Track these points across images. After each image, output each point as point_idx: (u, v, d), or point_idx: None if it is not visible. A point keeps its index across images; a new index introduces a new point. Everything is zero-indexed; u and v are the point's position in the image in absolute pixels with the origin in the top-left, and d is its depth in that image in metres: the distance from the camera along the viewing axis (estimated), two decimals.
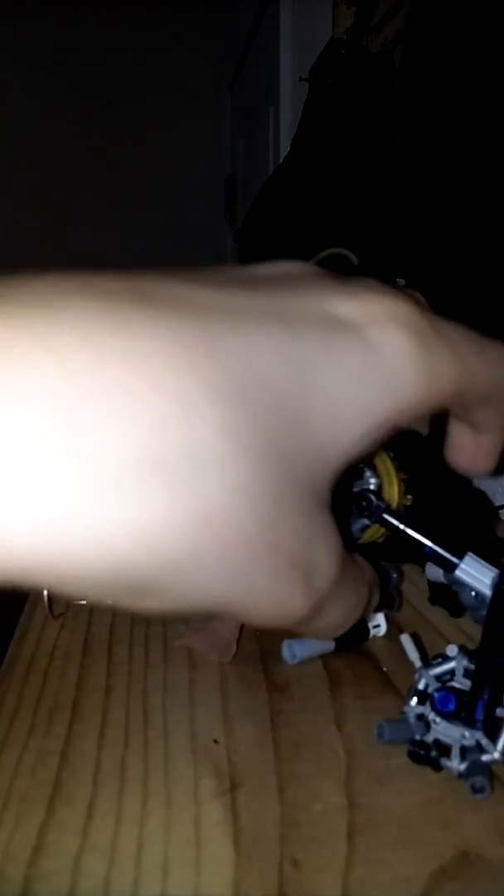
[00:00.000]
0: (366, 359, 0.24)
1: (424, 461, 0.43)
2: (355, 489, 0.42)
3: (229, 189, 2.93)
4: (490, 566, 0.38)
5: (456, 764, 0.36)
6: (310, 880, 0.30)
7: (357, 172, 1.06)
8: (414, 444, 0.44)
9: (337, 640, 0.47)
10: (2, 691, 0.45)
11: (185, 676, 0.47)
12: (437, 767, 0.36)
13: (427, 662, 0.39)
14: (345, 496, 0.42)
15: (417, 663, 0.39)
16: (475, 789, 0.34)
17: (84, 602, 0.57)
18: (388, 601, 0.50)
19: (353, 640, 0.49)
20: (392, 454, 0.43)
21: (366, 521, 0.42)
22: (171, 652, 0.50)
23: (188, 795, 0.35)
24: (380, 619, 0.51)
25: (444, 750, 0.36)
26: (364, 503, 0.42)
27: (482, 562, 0.38)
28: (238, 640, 0.50)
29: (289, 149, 1.20)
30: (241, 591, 0.23)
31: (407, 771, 0.37)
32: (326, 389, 0.23)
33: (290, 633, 0.51)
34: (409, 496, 0.42)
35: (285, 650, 0.48)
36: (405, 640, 0.41)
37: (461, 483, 0.46)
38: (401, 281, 0.95)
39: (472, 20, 0.92)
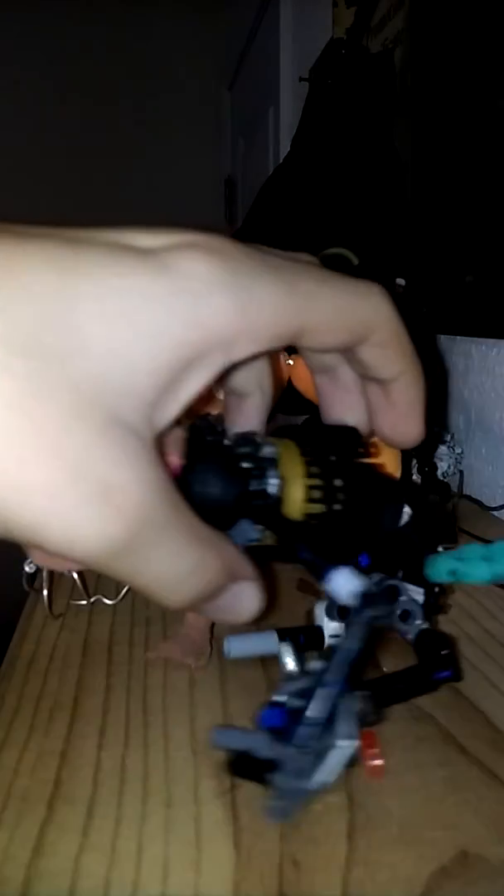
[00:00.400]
0: (158, 281, 0.22)
1: (347, 465, 0.43)
2: (250, 488, 0.41)
3: (229, 189, 2.94)
4: (362, 583, 0.36)
5: (278, 783, 0.33)
6: (310, 880, 0.30)
7: (357, 172, 1.06)
8: (341, 446, 0.43)
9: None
10: (2, 691, 0.45)
11: (185, 676, 0.47)
12: (262, 781, 0.33)
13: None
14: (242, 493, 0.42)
15: (288, 672, 0.37)
16: (271, 813, 0.32)
17: (84, 602, 0.57)
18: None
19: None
20: (310, 457, 0.42)
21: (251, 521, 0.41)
22: None
23: (188, 795, 0.35)
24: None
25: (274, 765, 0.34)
26: (244, 502, 0.41)
27: (356, 579, 0.36)
28: (211, 642, 0.50)
29: (289, 149, 1.20)
30: (38, 511, 0.21)
31: (407, 771, 0.37)
32: (105, 310, 0.22)
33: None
34: (321, 504, 0.41)
35: (224, 645, 0.48)
36: (284, 647, 0.39)
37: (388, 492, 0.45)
38: (401, 281, 0.95)
39: (472, 20, 0.92)
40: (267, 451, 0.43)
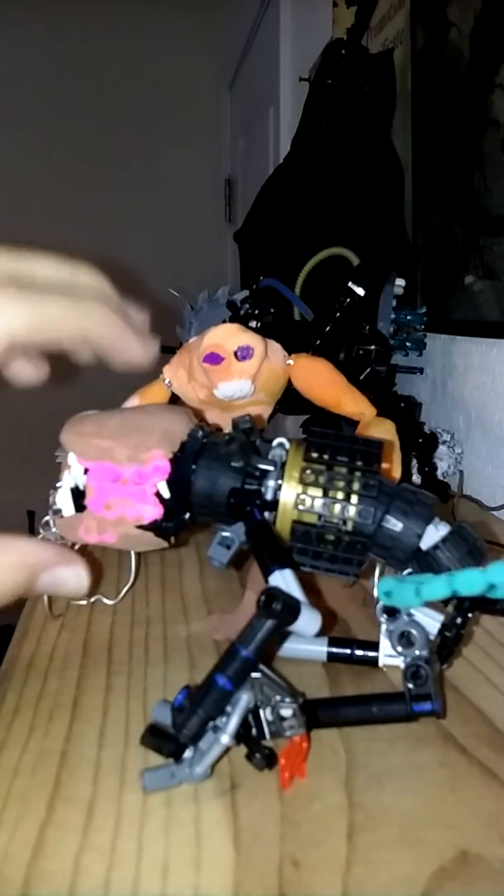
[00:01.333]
0: None
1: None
2: (246, 487, 0.43)
3: (229, 189, 2.93)
4: (300, 591, 0.37)
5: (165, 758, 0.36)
6: (310, 880, 0.30)
7: (356, 173, 1.06)
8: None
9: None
10: (2, 691, 0.45)
11: (185, 676, 0.47)
12: (176, 759, 0.36)
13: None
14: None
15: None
16: (143, 779, 0.35)
17: (84, 602, 0.57)
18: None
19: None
20: (317, 466, 0.42)
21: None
22: (171, 652, 0.50)
23: (188, 795, 0.35)
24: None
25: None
26: (232, 499, 0.43)
27: (295, 583, 0.37)
28: None
29: (289, 149, 1.20)
30: None
31: (407, 771, 0.37)
32: None
33: None
34: (313, 515, 0.41)
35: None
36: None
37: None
38: (401, 281, 0.95)
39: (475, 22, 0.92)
40: (274, 453, 0.43)
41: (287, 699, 0.36)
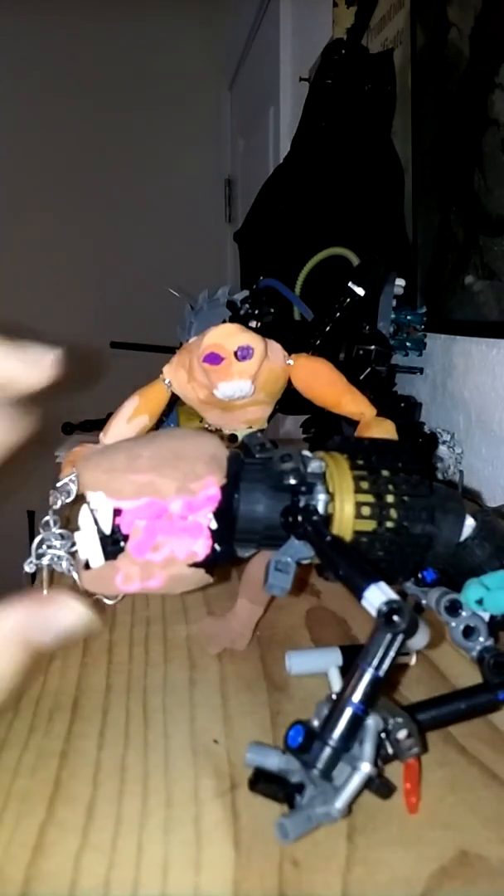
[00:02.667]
0: None
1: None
2: (298, 504, 0.40)
3: (229, 189, 2.93)
4: (393, 599, 0.34)
5: (301, 803, 0.32)
6: (310, 880, 0.30)
7: (357, 173, 1.06)
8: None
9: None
10: None
11: (185, 676, 0.47)
12: (290, 803, 0.33)
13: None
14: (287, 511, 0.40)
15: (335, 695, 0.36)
16: (280, 830, 0.31)
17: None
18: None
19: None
20: (361, 472, 0.41)
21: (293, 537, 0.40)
22: (171, 652, 0.50)
23: (188, 795, 0.35)
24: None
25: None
26: (290, 519, 0.40)
27: (387, 595, 0.34)
28: (253, 634, 0.50)
29: (289, 149, 1.20)
30: None
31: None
32: None
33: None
34: (372, 521, 0.40)
35: (286, 660, 0.48)
36: (332, 671, 0.38)
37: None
38: (401, 281, 0.95)
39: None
40: (314, 466, 0.42)
41: (401, 720, 0.34)
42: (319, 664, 0.47)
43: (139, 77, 2.79)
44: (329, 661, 0.46)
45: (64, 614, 0.32)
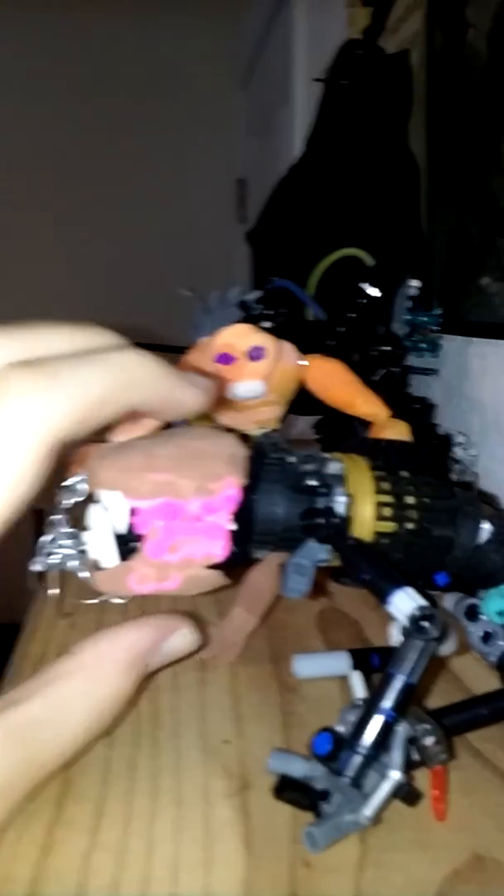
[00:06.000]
0: None
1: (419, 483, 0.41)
2: (317, 506, 0.40)
3: (241, 189, 2.93)
4: (422, 604, 0.34)
5: (328, 811, 0.32)
6: (322, 881, 0.30)
7: (372, 174, 1.06)
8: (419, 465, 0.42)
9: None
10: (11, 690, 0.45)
11: (196, 676, 0.47)
12: (315, 811, 0.32)
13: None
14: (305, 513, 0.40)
15: (359, 701, 0.36)
16: (308, 839, 0.31)
17: (93, 601, 0.56)
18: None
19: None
20: (380, 473, 0.41)
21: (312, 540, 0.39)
22: None
23: (198, 795, 0.35)
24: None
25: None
26: (310, 521, 0.39)
27: (416, 600, 0.34)
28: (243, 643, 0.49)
29: (302, 149, 1.20)
30: None
31: (419, 773, 0.37)
32: None
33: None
34: (393, 523, 0.40)
35: (293, 664, 0.47)
36: (354, 675, 0.38)
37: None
38: (416, 283, 0.95)
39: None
40: (333, 467, 0.42)
41: (429, 726, 0.34)
42: (327, 668, 0.46)
43: (152, 76, 2.79)
44: (337, 665, 0.46)
45: (177, 639, 0.32)
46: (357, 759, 0.32)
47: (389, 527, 0.40)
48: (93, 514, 0.40)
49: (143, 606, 0.57)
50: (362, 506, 0.40)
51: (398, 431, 0.58)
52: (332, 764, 0.32)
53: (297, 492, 0.40)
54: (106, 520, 0.39)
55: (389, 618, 0.39)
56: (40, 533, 0.53)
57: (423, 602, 0.33)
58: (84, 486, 0.55)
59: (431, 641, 0.33)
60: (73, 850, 0.32)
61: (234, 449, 0.40)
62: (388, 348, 0.82)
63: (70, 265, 2.75)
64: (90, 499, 0.41)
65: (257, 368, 0.54)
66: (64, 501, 0.57)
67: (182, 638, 0.33)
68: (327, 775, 0.32)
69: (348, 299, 0.76)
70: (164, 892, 0.30)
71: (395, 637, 0.36)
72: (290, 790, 0.33)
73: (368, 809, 0.31)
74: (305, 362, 0.58)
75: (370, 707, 0.33)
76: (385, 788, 0.31)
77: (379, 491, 0.40)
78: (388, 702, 0.32)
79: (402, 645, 0.33)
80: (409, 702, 0.33)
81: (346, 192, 1.05)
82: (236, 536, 0.39)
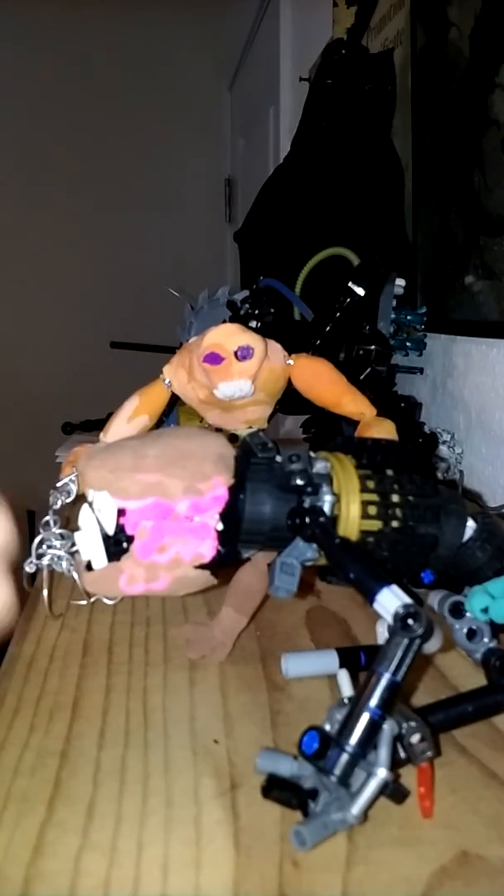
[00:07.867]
0: None
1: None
2: (304, 505, 0.40)
3: (229, 189, 2.93)
4: (407, 602, 0.34)
5: (316, 809, 0.32)
6: (310, 880, 0.30)
7: (357, 172, 1.06)
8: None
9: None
10: (2, 691, 0.45)
11: (186, 676, 0.47)
12: (303, 810, 0.32)
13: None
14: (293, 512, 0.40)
15: (346, 700, 0.36)
16: (297, 837, 0.31)
17: (84, 602, 0.56)
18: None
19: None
20: (366, 472, 0.41)
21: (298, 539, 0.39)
22: (171, 652, 0.50)
23: (188, 795, 0.35)
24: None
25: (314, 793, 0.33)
26: (297, 521, 0.39)
27: (401, 598, 0.34)
28: (234, 644, 0.50)
29: (289, 149, 1.20)
30: None
31: (406, 771, 0.37)
32: None
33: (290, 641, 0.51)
34: (379, 521, 0.40)
35: (282, 663, 0.47)
36: (341, 674, 0.38)
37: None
38: (401, 281, 0.95)
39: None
40: (320, 466, 0.42)
41: (415, 724, 0.34)
42: (316, 667, 0.47)
43: (139, 77, 2.79)
44: (325, 664, 0.46)
45: None
46: (344, 758, 0.32)
47: (375, 525, 0.40)
48: (83, 515, 0.40)
49: (133, 606, 0.57)
50: (348, 505, 0.40)
51: (385, 430, 0.58)
52: (320, 763, 0.33)
53: (284, 491, 0.40)
54: (95, 520, 0.39)
55: (377, 616, 0.39)
56: (34, 534, 0.53)
57: (408, 600, 0.33)
58: (74, 487, 0.55)
59: (416, 639, 0.33)
60: (64, 850, 0.32)
61: (222, 449, 0.40)
62: (374, 347, 0.82)
63: (58, 266, 2.74)
64: (85, 499, 0.41)
65: (245, 368, 0.54)
66: (54, 502, 0.57)
67: None
68: (315, 774, 0.33)
69: (335, 298, 0.76)
70: (154, 892, 0.30)
71: (382, 635, 0.36)
72: (279, 789, 0.33)
73: (356, 807, 0.31)
74: (291, 361, 0.58)
75: (356, 706, 0.33)
76: (372, 786, 0.32)
77: (364, 490, 0.40)
78: (374, 700, 0.33)
79: (388, 643, 0.33)
80: (394, 700, 0.33)
81: (331, 191, 1.05)
82: (224, 536, 0.39)
